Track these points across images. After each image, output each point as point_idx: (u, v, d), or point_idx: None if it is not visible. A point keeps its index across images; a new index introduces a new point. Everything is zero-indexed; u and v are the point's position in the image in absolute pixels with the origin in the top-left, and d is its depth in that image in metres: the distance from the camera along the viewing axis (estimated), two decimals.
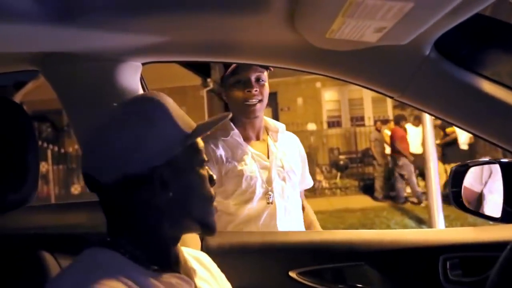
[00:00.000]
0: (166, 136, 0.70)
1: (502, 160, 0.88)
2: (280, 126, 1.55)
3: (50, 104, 5.66)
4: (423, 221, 5.73)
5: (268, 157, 1.47)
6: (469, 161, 1.00)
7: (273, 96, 10.94)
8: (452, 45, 0.88)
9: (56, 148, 9.43)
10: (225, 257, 0.97)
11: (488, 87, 0.88)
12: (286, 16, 0.80)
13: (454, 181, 0.97)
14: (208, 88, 11.59)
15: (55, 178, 9.39)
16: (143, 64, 1.08)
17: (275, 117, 11.70)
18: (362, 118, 11.65)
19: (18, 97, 11.16)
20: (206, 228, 0.76)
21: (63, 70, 1.01)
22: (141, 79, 1.13)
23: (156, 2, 0.79)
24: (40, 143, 8.31)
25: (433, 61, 0.88)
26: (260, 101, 1.44)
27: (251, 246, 1.17)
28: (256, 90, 1.42)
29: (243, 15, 0.82)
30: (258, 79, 1.43)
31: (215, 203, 0.78)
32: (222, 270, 0.88)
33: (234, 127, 1.47)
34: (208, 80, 11.98)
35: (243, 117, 1.47)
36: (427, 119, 4.61)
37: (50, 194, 8.86)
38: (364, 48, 0.83)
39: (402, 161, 7.26)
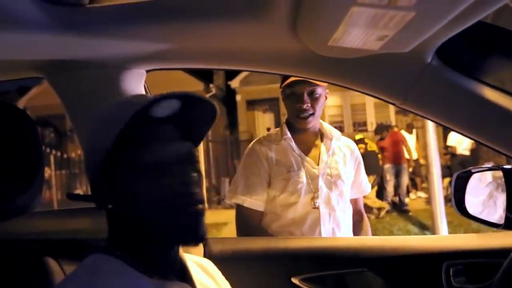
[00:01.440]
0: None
1: (505, 166, 0.88)
2: (335, 133, 1.56)
3: (52, 109, 5.67)
4: (426, 227, 5.70)
5: (318, 164, 1.49)
6: (472, 167, 1.00)
7: (275, 101, 10.95)
8: (454, 52, 0.88)
9: (59, 153, 9.44)
10: (227, 263, 0.97)
11: (490, 94, 0.88)
12: (289, 23, 0.80)
13: (457, 187, 0.97)
14: (210, 94, 11.61)
15: (58, 183, 9.39)
16: (147, 71, 1.09)
17: (277, 122, 11.71)
18: (365, 123, 11.63)
19: (21, 103, 11.22)
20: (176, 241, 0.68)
21: (68, 77, 1.01)
22: (144, 85, 1.13)
23: (160, 10, 0.80)
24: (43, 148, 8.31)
25: (435, 69, 0.88)
26: (312, 114, 1.47)
27: (254, 252, 1.17)
28: (307, 105, 1.45)
29: (246, 22, 0.82)
30: (311, 93, 1.45)
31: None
32: (224, 276, 0.88)
33: (287, 132, 1.51)
34: (211, 85, 12.01)
35: (296, 125, 1.51)
36: (430, 125, 4.59)
37: (53, 199, 8.86)
38: (366, 56, 0.84)
39: (387, 165, 7.34)
